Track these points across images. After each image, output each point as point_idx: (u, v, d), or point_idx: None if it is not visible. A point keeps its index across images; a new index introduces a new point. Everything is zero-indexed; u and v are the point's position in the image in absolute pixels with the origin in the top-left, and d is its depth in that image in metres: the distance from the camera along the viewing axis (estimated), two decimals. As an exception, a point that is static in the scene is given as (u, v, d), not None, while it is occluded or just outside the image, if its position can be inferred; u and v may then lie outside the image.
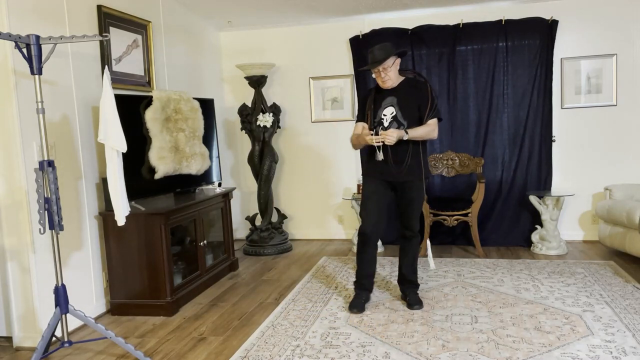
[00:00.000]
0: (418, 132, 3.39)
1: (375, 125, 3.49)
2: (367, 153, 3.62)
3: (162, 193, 4.10)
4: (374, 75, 3.49)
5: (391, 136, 3.29)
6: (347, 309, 3.59)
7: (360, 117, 3.64)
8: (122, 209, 3.11)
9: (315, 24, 5.72)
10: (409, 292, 3.67)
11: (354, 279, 3.73)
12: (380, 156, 3.42)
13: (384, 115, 3.47)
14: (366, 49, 5.50)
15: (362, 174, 3.71)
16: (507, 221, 5.32)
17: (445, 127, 5.40)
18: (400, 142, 3.37)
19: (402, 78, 3.54)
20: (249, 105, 5.50)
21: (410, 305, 3.58)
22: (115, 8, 3.99)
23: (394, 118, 3.44)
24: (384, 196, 3.55)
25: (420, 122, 3.44)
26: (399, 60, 3.48)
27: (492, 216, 5.34)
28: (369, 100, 3.57)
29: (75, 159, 3.60)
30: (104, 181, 3.64)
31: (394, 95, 3.48)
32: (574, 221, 5.37)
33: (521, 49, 5.19)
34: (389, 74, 3.42)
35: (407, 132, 3.35)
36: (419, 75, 3.65)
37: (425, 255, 4.14)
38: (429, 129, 3.42)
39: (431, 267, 4.07)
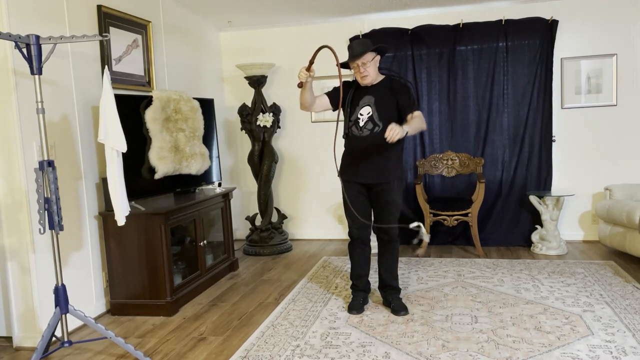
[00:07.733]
0: (414, 125, 3.20)
1: (351, 124, 3.44)
2: (343, 154, 3.54)
3: (162, 193, 4.10)
4: (353, 72, 3.42)
5: (398, 132, 2.96)
6: (347, 311, 3.59)
7: (332, 94, 3.49)
8: (122, 209, 3.11)
9: (315, 24, 5.72)
10: (392, 298, 3.56)
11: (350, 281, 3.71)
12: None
13: (361, 114, 3.40)
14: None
15: (338, 175, 3.52)
16: (507, 221, 5.32)
17: (445, 127, 5.41)
18: (375, 138, 3.28)
19: (381, 77, 3.44)
20: (249, 105, 5.50)
21: (396, 312, 3.47)
22: (115, 8, 3.99)
23: (370, 118, 3.36)
24: (363, 199, 3.48)
25: (399, 122, 3.26)
26: (378, 58, 3.38)
27: (492, 216, 5.34)
28: (350, 94, 3.47)
29: (75, 159, 3.60)
30: (104, 181, 3.64)
31: (372, 95, 3.39)
32: (574, 221, 5.37)
33: (521, 49, 5.19)
34: (368, 69, 3.33)
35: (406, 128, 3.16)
36: (399, 77, 3.47)
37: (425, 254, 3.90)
38: (419, 120, 3.25)
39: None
